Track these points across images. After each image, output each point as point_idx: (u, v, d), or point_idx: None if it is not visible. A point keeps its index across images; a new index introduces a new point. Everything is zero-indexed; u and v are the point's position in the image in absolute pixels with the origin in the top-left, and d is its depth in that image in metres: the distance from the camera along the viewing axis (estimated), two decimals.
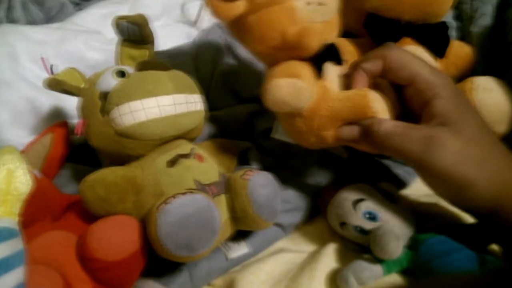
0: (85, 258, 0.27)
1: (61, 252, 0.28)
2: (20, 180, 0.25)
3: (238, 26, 0.32)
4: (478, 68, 0.44)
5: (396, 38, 0.40)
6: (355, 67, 0.34)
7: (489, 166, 0.28)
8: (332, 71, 0.34)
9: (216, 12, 0.31)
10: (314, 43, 0.31)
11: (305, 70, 0.31)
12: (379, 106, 0.31)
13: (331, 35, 0.32)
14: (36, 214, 0.30)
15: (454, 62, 0.42)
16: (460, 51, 0.43)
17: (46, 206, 0.31)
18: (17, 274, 0.23)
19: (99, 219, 0.29)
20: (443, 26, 0.40)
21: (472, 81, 0.37)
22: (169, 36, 0.52)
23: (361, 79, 0.33)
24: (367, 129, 0.31)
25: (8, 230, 0.24)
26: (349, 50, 0.39)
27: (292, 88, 0.30)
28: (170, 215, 0.26)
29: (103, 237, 0.27)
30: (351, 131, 0.32)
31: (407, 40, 0.40)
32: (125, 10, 0.53)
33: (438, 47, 0.41)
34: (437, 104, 0.30)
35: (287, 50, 0.31)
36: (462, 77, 0.43)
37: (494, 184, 0.28)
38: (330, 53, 0.33)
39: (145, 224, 0.29)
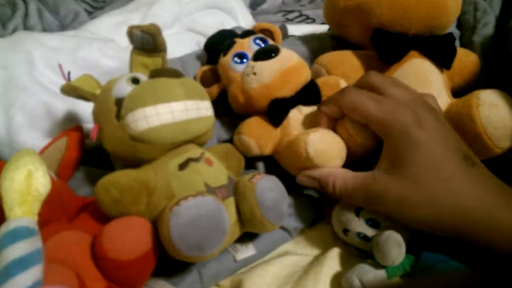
0: (99, 258, 0.28)
1: (76, 252, 0.29)
2: (40, 181, 0.26)
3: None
4: (481, 77, 0.44)
5: (402, 52, 0.41)
6: (317, 109, 0.37)
7: (425, 209, 0.30)
8: (295, 116, 0.39)
9: None
10: (259, 102, 0.39)
11: (253, 126, 0.40)
12: (314, 151, 0.34)
13: (278, 92, 0.38)
14: (52, 214, 0.31)
15: (460, 72, 0.43)
16: (465, 60, 0.43)
17: (61, 207, 0.32)
18: (35, 272, 0.24)
19: (113, 220, 0.29)
20: (450, 37, 0.41)
21: (478, 96, 0.36)
22: (180, 44, 0.53)
23: (323, 121, 0.37)
24: (323, 186, 0.34)
25: (28, 229, 0.25)
26: (354, 64, 0.43)
27: (239, 142, 0.40)
28: (182, 217, 0.27)
29: (117, 237, 0.28)
30: (311, 183, 0.36)
31: (414, 53, 0.41)
32: (137, 19, 0.55)
33: (444, 59, 0.41)
34: (385, 147, 0.32)
35: (248, 109, 0.40)
36: (467, 85, 0.43)
37: (435, 223, 0.30)
38: (281, 104, 0.39)
39: (157, 225, 0.30)
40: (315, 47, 0.49)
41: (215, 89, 0.44)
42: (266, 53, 0.39)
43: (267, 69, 0.38)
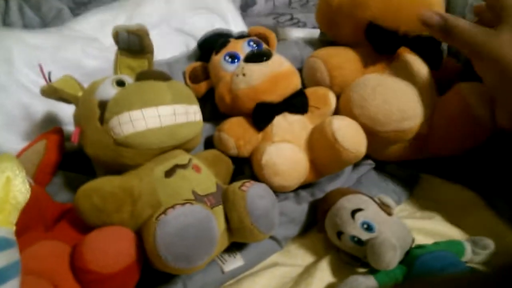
0: (79, 270, 0.27)
1: (54, 263, 0.27)
2: (18, 188, 0.25)
3: None
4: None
5: (394, 47, 0.42)
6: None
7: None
8: (279, 123, 0.39)
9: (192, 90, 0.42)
10: (245, 104, 0.39)
11: (235, 125, 0.39)
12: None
13: (265, 96, 0.38)
14: (28, 222, 0.29)
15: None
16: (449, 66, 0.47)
17: (39, 214, 0.31)
18: (12, 285, 0.22)
19: (94, 230, 0.28)
20: (434, 39, 0.41)
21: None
22: (167, 45, 0.52)
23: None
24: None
25: (5, 240, 0.23)
26: (349, 56, 0.44)
27: (218, 139, 0.40)
28: (169, 226, 0.26)
29: (98, 249, 0.27)
30: (431, 17, 0.37)
31: (405, 49, 0.43)
32: (123, 18, 0.53)
33: (432, 60, 0.43)
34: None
35: (233, 109, 0.40)
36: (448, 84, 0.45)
37: None
38: (267, 109, 0.39)
39: (141, 235, 0.28)
40: (307, 52, 0.49)
41: (203, 86, 0.44)
42: (257, 56, 0.39)
43: (257, 71, 0.38)
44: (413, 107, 0.39)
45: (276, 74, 0.38)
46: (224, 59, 0.41)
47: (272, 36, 0.46)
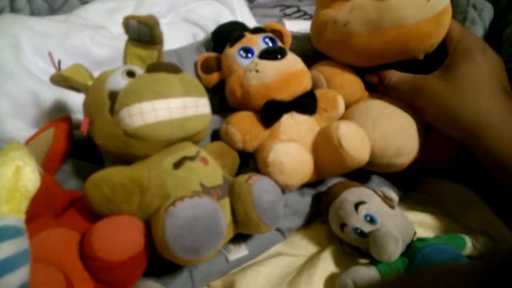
0: (88, 258, 0.27)
1: (63, 251, 0.28)
2: (29, 177, 0.25)
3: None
4: None
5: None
6: None
7: (454, 105, 0.37)
8: (287, 121, 0.40)
9: (202, 81, 0.44)
10: (255, 100, 0.39)
11: (243, 119, 0.39)
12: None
13: (275, 94, 0.38)
14: (38, 210, 0.29)
15: None
16: None
17: (48, 202, 0.31)
18: (21, 274, 0.23)
19: (103, 218, 0.28)
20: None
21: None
22: (174, 35, 0.51)
23: None
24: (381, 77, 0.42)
25: (15, 229, 0.23)
26: (351, 78, 0.43)
27: (225, 131, 0.39)
28: (178, 218, 0.26)
29: (107, 237, 0.27)
30: (372, 77, 0.43)
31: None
32: (131, 6, 0.53)
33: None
34: (448, 59, 0.39)
35: (243, 104, 0.40)
36: None
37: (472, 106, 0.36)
38: (276, 106, 0.39)
39: (149, 226, 0.29)
40: (311, 47, 0.48)
41: (214, 77, 0.44)
42: (272, 53, 0.39)
43: (271, 69, 0.38)
44: (410, 143, 0.39)
45: (289, 73, 0.38)
46: (238, 53, 0.41)
47: (287, 34, 0.46)
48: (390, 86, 0.41)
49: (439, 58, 0.40)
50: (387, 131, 0.39)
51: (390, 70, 0.42)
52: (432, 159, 0.42)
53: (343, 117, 0.42)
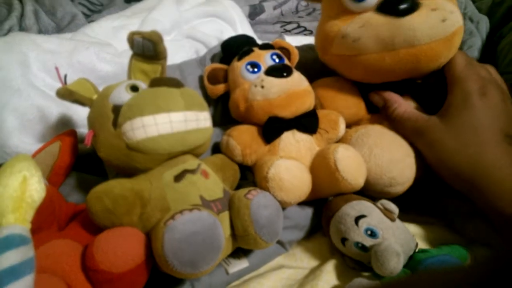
0: (90, 269, 0.27)
1: (66, 262, 0.28)
2: (35, 187, 0.26)
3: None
4: None
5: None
6: None
7: (454, 156, 0.36)
8: (287, 139, 0.40)
9: (207, 91, 0.45)
10: (258, 115, 0.39)
11: (244, 133, 0.40)
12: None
13: (278, 111, 0.39)
14: (42, 222, 0.30)
15: None
16: None
17: (52, 214, 0.31)
18: (26, 282, 0.23)
19: (105, 230, 0.29)
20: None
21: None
22: (178, 51, 0.53)
23: None
24: (387, 105, 0.41)
25: (21, 237, 0.24)
26: (352, 103, 0.44)
27: (225, 144, 0.40)
28: (177, 232, 0.26)
29: (109, 249, 0.27)
30: (379, 99, 0.42)
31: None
32: (136, 24, 0.54)
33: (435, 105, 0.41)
34: (448, 99, 0.38)
35: (245, 118, 0.41)
36: None
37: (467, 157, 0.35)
38: (278, 123, 0.39)
39: (150, 238, 0.29)
40: (311, 56, 0.49)
41: (220, 88, 0.45)
42: (279, 71, 0.39)
43: (276, 86, 0.38)
44: (406, 173, 0.39)
45: (293, 92, 0.39)
46: (246, 67, 0.41)
47: (294, 52, 0.46)
48: (393, 118, 0.40)
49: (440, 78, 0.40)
50: (382, 162, 0.38)
51: (397, 97, 0.41)
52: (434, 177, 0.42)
53: (341, 139, 0.42)
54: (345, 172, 0.35)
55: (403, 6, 0.36)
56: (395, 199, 0.39)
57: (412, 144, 0.40)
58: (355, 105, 0.43)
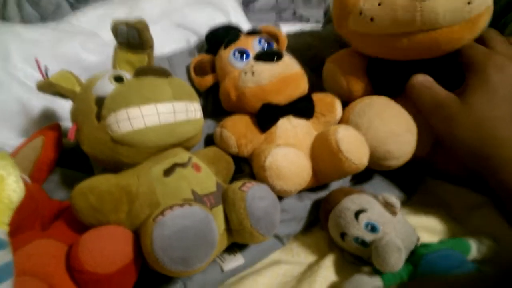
0: (75, 270, 0.26)
1: (50, 263, 0.27)
2: (12, 188, 0.24)
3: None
4: None
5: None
6: None
7: (467, 131, 0.36)
8: (284, 125, 0.39)
9: (195, 83, 0.44)
10: (251, 103, 0.38)
11: (238, 123, 0.38)
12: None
13: (272, 97, 0.37)
14: (24, 221, 0.28)
15: None
16: None
17: (35, 213, 0.30)
18: None
19: (91, 229, 0.27)
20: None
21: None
22: (167, 40, 0.51)
23: None
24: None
25: None
26: None
27: (219, 135, 0.39)
28: (167, 228, 0.25)
29: (95, 249, 0.26)
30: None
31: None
32: (123, 12, 0.52)
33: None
34: (466, 77, 0.37)
35: (238, 107, 0.39)
36: None
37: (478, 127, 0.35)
38: (273, 110, 0.38)
39: (138, 235, 0.28)
40: (304, 41, 0.48)
41: (208, 79, 0.43)
42: (268, 56, 0.38)
43: (267, 71, 0.37)
44: (403, 149, 0.38)
45: (285, 76, 0.37)
46: (233, 54, 0.40)
47: (282, 36, 0.45)
48: (413, 85, 0.38)
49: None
50: (380, 135, 0.37)
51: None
52: (446, 162, 0.41)
53: (344, 110, 0.41)
54: (349, 152, 0.34)
55: None
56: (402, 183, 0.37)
57: (416, 122, 0.38)
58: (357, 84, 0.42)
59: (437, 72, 0.39)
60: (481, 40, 0.38)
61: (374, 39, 0.37)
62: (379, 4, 0.35)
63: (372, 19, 0.36)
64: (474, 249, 0.34)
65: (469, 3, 0.33)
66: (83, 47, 0.45)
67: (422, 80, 0.38)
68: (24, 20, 0.55)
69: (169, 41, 0.52)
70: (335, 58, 0.44)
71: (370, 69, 0.41)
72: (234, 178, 0.39)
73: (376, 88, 0.41)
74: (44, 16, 0.56)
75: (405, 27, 0.35)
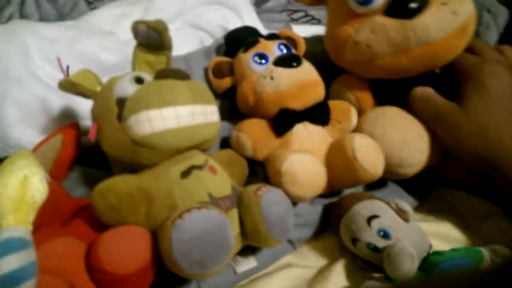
0: (94, 270, 0.26)
1: (69, 261, 0.27)
2: (36, 187, 0.24)
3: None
4: None
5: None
6: None
7: (470, 137, 0.37)
8: (299, 131, 0.39)
9: (213, 85, 0.44)
10: (268, 107, 0.38)
11: (255, 127, 0.39)
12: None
13: (289, 102, 0.37)
14: (45, 219, 0.29)
15: None
16: None
17: (55, 210, 0.30)
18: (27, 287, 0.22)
19: (110, 229, 0.28)
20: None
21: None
22: (182, 40, 0.51)
23: None
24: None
25: (21, 240, 0.23)
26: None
27: (236, 139, 0.39)
28: (185, 231, 0.25)
29: (114, 249, 0.26)
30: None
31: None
32: (139, 12, 0.53)
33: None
34: (462, 86, 0.38)
35: (255, 111, 0.39)
36: None
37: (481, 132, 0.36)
38: (289, 115, 0.38)
39: (156, 237, 0.28)
40: (320, 49, 0.47)
41: (226, 82, 0.43)
42: (288, 61, 0.38)
43: (286, 77, 0.37)
44: (417, 156, 0.38)
45: (303, 82, 0.37)
46: (253, 58, 0.40)
47: (300, 41, 0.45)
48: (414, 96, 0.40)
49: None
50: (394, 142, 0.38)
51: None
52: (454, 171, 0.41)
53: (359, 118, 0.41)
54: (364, 161, 0.34)
55: (413, 5, 0.35)
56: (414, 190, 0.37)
57: (428, 130, 0.39)
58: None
59: (436, 84, 0.40)
60: (470, 50, 0.39)
61: (374, 64, 0.38)
62: (372, 32, 0.37)
63: (369, 46, 0.37)
64: (486, 258, 0.34)
65: (454, 14, 0.35)
66: (101, 46, 0.45)
67: (421, 91, 0.40)
68: (42, 17, 0.55)
69: (183, 41, 0.53)
70: (341, 80, 0.44)
71: (373, 89, 0.42)
72: (248, 181, 0.39)
73: (382, 105, 0.42)
74: (62, 14, 0.56)
75: (401, 47, 0.36)
